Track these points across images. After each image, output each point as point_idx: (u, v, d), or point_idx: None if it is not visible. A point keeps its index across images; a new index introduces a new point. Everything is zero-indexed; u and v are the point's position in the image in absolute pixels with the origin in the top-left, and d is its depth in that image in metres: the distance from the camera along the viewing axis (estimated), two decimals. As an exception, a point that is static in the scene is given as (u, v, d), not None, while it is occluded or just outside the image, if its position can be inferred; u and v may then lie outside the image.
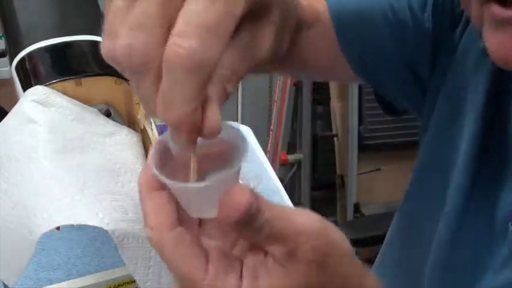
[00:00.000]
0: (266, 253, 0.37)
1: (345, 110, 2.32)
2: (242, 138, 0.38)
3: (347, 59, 0.66)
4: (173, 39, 0.31)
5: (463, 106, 0.58)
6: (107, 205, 0.45)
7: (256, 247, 0.37)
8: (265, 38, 0.38)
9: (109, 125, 0.53)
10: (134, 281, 0.46)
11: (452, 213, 0.59)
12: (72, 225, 0.43)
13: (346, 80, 0.74)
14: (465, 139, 0.57)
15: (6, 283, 0.49)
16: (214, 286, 0.35)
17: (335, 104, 2.34)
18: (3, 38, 0.61)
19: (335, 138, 2.40)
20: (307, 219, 0.36)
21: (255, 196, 0.34)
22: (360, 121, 2.36)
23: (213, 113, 0.34)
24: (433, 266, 0.60)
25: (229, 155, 0.38)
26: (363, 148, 2.38)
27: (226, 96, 0.35)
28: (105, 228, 0.44)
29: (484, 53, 0.54)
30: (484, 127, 0.56)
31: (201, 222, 0.39)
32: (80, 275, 0.76)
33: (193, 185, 0.36)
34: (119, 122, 0.55)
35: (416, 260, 0.63)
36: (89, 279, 0.72)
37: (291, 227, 0.36)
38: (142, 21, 0.32)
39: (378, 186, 2.32)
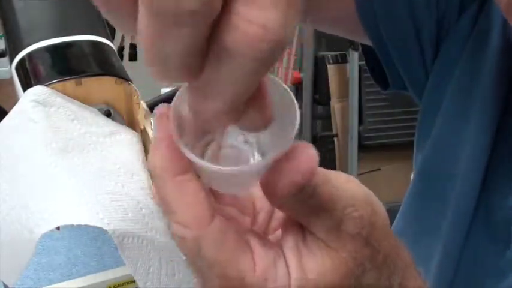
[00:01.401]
0: (302, 229, 0.32)
1: (345, 110, 2.32)
2: (291, 103, 0.30)
3: (357, 7, 0.62)
4: (243, 12, 0.23)
5: (471, 106, 0.58)
6: (107, 205, 0.45)
7: (289, 223, 0.32)
8: None
9: (109, 125, 0.53)
10: (134, 281, 0.46)
11: (460, 217, 0.58)
12: (72, 225, 0.43)
13: (353, 36, 0.68)
14: (472, 143, 0.57)
15: (6, 283, 0.49)
16: (266, 281, 0.30)
17: (335, 104, 2.35)
18: (3, 38, 0.61)
19: (335, 138, 2.40)
20: (352, 184, 0.32)
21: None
22: (360, 121, 2.36)
23: (267, 104, 0.27)
24: (438, 271, 0.60)
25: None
26: (362, 148, 2.39)
27: None
28: (105, 228, 0.44)
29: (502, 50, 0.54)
30: (494, 131, 0.56)
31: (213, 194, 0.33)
32: (80, 275, 0.76)
33: (245, 168, 0.29)
34: (119, 122, 0.55)
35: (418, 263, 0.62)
36: (89, 279, 0.72)
37: (338, 195, 0.31)
38: None
39: (378, 186, 2.32)
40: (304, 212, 0.31)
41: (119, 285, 0.71)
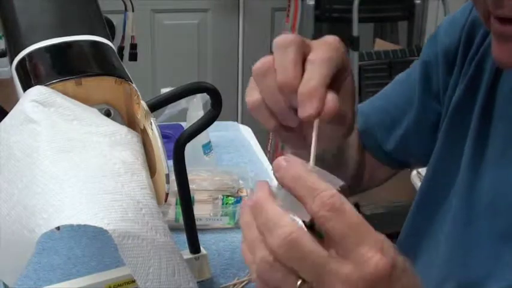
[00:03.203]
0: None
1: (345, 110, 2.32)
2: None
3: (371, 153, 0.80)
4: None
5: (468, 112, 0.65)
6: (107, 205, 0.45)
7: None
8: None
9: (109, 125, 0.53)
10: (134, 281, 0.46)
11: (459, 209, 0.61)
12: (72, 225, 0.43)
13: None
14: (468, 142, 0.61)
15: (6, 283, 0.49)
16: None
17: (335, 104, 2.34)
18: (3, 38, 0.61)
19: (335, 138, 2.40)
20: None
21: None
22: (360, 121, 2.35)
23: (333, 96, 0.49)
24: (444, 264, 0.62)
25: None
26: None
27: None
28: (105, 228, 0.44)
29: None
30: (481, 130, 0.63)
31: None
32: (80, 275, 0.76)
33: (341, 182, 0.44)
34: (119, 122, 0.55)
35: (428, 261, 0.64)
36: (89, 279, 0.72)
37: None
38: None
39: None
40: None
41: (118, 285, 0.71)
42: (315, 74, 0.49)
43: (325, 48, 0.50)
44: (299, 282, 0.41)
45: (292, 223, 0.41)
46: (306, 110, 0.48)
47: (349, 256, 0.40)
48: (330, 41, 0.51)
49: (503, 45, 0.53)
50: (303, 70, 0.49)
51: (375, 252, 0.40)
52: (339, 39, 0.52)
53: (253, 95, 0.52)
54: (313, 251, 0.40)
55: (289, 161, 0.44)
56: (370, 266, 0.40)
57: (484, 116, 0.63)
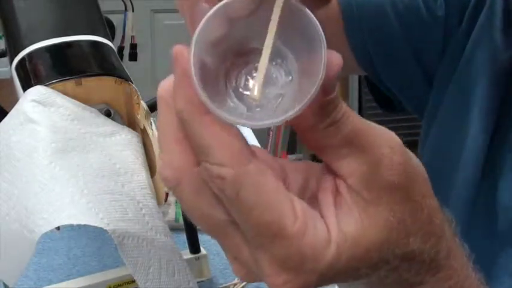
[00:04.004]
0: (338, 187, 0.29)
1: (345, 110, 2.32)
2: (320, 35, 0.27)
3: (351, 47, 0.66)
4: None
5: (471, 102, 0.59)
6: (107, 205, 0.45)
7: (325, 177, 0.30)
8: None
9: (109, 125, 0.53)
10: (134, 281, 0.46)
11: (461, 208, 0.59)
12: (72, 225, 0.43)
13: (347, 71, 0.72)
14: (473, 132, 0.58)
15: (6, 283, 0.49)
16: (304, 234, 0.27)
17: (335, 104, 2.35)
18: (3, 38, 0.61)
19: (335, 138, 2.40)
20: (390, 132, 0.29)
21: None
22: (360, 121, 2.35)
23: None
24: None
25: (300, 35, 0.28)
26: (362, 148, 2.38)
27: None
28: (105, 228, 0.44)
29: (494, 52, 0.55)
30: (492, 120, 0.57)
31: None
32: (80, 275, 0.76)
33: (271, 121, 0.27)
34: (119, 122, 0.55)
35: None
36: (89, 279, 0.72)
37: (374, 133, 0.28)
38: None
39: (377, 186, 2.32)
40: (334, 143, 0.28)
41: (118, 285, 0.71)
42: None
43: None
44: None
45: (239, 159, 0.27)
46: None
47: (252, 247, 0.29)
48: None
49: None
50: None
51: (276, 272, 0.28)
52: None
53: None
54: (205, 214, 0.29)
55: (180, 76, 0.26)
56: (269, 281, 0.29)
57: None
